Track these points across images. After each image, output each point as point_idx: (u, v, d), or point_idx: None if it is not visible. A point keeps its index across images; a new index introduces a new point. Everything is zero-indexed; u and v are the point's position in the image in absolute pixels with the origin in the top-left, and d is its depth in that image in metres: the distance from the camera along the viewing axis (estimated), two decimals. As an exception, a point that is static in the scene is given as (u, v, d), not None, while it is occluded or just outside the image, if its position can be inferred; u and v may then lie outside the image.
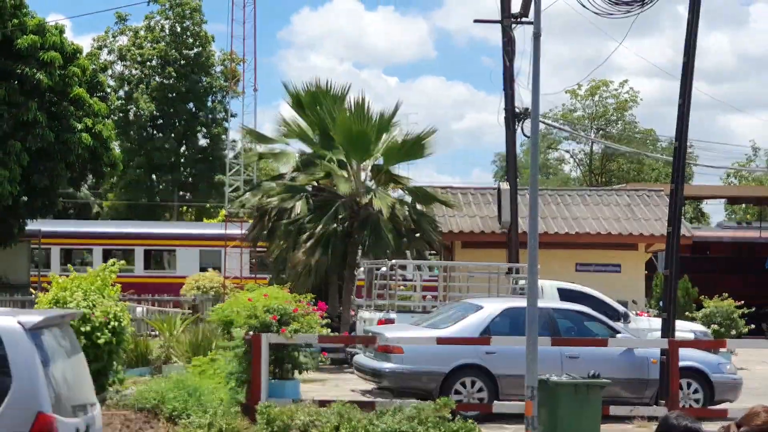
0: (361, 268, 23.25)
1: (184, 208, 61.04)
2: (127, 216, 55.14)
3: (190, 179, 60.89)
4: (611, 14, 17.21)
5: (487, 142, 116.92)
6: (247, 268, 33.98)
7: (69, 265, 21.33)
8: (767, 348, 27.96)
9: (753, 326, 27.56)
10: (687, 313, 27.03)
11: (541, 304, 13.65)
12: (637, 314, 22.03)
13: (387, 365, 15.09)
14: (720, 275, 34.04)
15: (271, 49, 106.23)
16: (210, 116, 59.79)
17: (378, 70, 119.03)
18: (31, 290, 24.24)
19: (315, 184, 25.56)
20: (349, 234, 24.04)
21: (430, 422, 11.98)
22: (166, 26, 59.15)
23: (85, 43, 78.88)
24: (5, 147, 26.44)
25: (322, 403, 12.90)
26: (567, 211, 28.41)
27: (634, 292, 26.67)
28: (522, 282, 21.01)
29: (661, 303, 17.48)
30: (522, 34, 25.03)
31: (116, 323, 14.27)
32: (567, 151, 67.56)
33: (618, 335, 15.68)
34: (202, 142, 60.45)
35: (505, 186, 25.78)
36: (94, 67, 32.73)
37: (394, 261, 21.70)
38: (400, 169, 26.43)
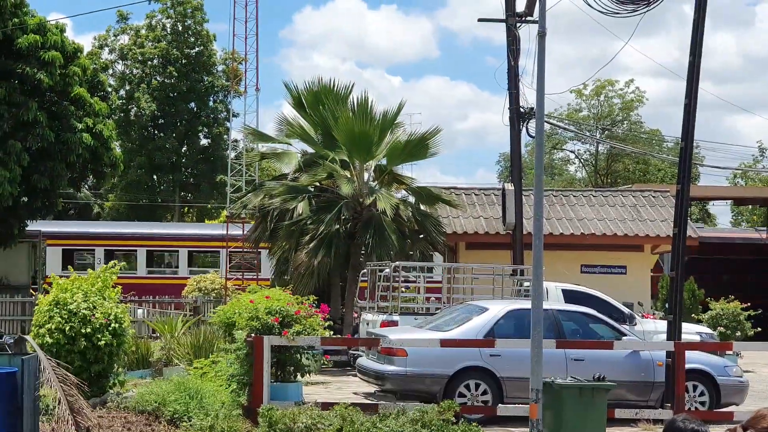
0: (364, 270, 23.11)
1: (186, 208, 60.97)
2: (128, 216, 55.10)
3: (192, 179, 60.86)
4: (617, 13, 17.04)
5: (491, 143, 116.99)
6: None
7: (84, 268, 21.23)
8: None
9: (759, 329, 27.43)
10: (693, 315, 26.92)
11: (545, 305, 13.52)
12: (642, 316, 21.90)
13: (390, 368, 14.97)
14: None
15: (273, 48, 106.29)
16: (211, 116, 59.77)
17: (381, 69, 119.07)
18: (32, 291, 24.13)
19: (317, 184, 25.44)
20: (352, 235, 23.92)
21: (433, 425, 11.85)
22: (168, 25, 59.14)
23: (86, 42, 78.93)
24: (5, 147, 26.33)
25: (325, 406, 12.79)
26: (572, 212, 28.28)
27: (639, 294, 26.54)
28: (526, 284, 20.86)
29: (666, 305, 17.32)
30: (527, 33, 24.89)
31: (117, 325, 14.17)
32: (572, 152, 67.48)
33: (623, 337, 15.56)
34: (204, 142, 60.43)
35: (509, 187, 25.66)
36: (94, 66, 32.62)
37: (397, 262, 21.56)
38: (404, 170, 26.35)
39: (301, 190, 24.68)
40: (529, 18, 24.17)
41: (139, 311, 26.65)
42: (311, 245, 23.04)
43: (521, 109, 24.51)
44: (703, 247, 30.33)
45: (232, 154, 47.88)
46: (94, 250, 36.03)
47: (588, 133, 61.86)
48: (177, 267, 37.01)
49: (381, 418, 12.11)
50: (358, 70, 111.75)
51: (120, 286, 15.22)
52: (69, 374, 11.09)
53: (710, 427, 5.47)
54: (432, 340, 14.90)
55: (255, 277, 31.66)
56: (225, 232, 33.92)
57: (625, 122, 63.95)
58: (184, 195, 61.24)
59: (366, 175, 25.04)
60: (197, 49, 59.09)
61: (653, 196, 29.58)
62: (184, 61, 58.17)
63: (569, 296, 20.10)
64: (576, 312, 16.29)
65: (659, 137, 63.39)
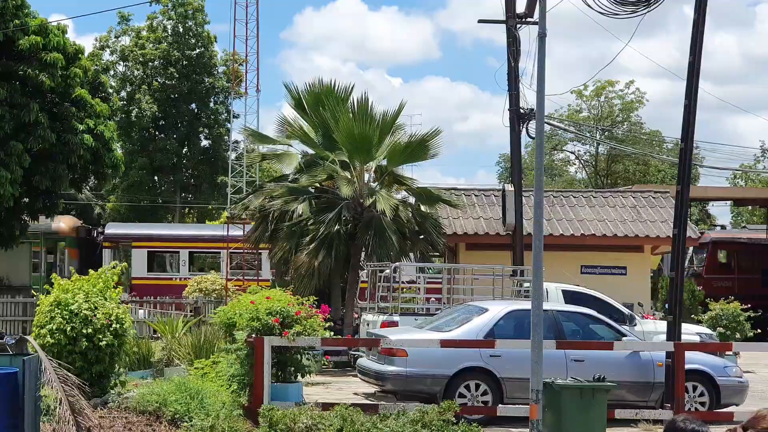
0: (365, 271, 23.13)
1: (186, 209, 61.00)
2: (129, 218, 55.11)
3: (192, 180, 60.88)
4: (616, 14, 17.04)
5: (491, 144, 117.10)
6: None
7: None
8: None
9: (759, 330, 27.44)
10: (693, 315, 26.95)
11: (545, 306, 13.54)
12: (642, 317, 21.92)
13: (390, 368, 14.99)
14: None
15: (274, 49, 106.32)
16: (212, 117, 59.77)
17: (382, 70, 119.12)
18: (33, 292, 24.16)
19: (318, 185, 25.47)
20: (353, 236, 23.94)
21: (434, 426, 11.88)
22: (169, 26, 59.15)
23: (87, 43, 79.02)
24: (7, 148, 26.35)
25: (325, 407, 12.81)
26: (572, 212, 28.30)
27: (639, 295, 26.55)
28: (526, 284, 20.88)
29: (666, 305, 17.34)
30: (527, 34, 24.91)
31: (118, 325, 14.20)
32: (572, 153, 67.44)
33: (623, 338, 15.58)
34: (205, 143, 60.43)
35: (509, 187, 25.68)
36: (96, 67, 32.65)
37: (397, 263, 21.58)
38: (405, 170, 26.34)
39: (301, 191, 24.71)
40: (529, 19, 24.20)
41: (140, 312, 26.68)
42: (312, 246, 23.06)
43: (521, 110, 24.53)
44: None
45: (233, 155, 47.89)
46: (178, 252, 36.33)
47: (588, 134, 61.89)
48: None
49: (381, 419, 12.14)
50: (358, 71, 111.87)
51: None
52: (70, 375, 11.11)
53: (710, 428, 5.49)
54: (432, 341, 14.92)
55: (255, 277, 31.71)
56: (225, 233, 33.93)
57: (625, 123, 63.92)
58: (185, 196, 61.24)
59: (366, 176, 25.05)
60: (198, 50, 59.07)
61: (653, 197, 29.59)
62: (185, 62, 58.18)
63: (569, 297, 20.12)
64: (576, 312, 16.31)
65: (659, 138, 63.37)
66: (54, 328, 13.89)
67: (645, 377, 15.23)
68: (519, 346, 13.88)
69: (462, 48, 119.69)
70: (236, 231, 32.99)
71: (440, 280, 23.73)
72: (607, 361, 14.73)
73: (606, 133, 63.16)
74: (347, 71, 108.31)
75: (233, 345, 14.30)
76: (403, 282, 22.08)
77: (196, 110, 59.51)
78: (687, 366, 14.36)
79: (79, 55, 29.20)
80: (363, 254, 23.89)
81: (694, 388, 15.29)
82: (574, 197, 29.69)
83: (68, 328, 13.84)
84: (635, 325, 19.69)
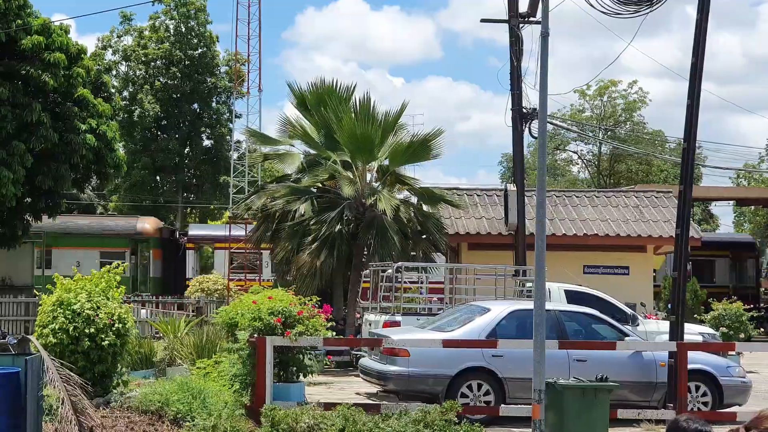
0: (367, 271, 23.11)
1: (189, 209, 61.04)
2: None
3: (195, 180, 60.92)
4: (619, 14, 17.04)
5: (494, 143, 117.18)
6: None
7: None
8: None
9: (762, 330, 27.43)
10: (696, 315, 26.93)
11: (548, 306, 13.52)
12: (645, 317, 21.90)
13: (393, 368, 14.97)
14: None
15: (276, 49, 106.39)
16: (214, 117, 59.84)
17: (383, 70, 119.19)
18: (35, 292, 24.17)
19: (320, 185, 25.47)
20: (355, 236, 23.94)
21: (436, 426, 11.86)
22: (171, 26, 59.22)
23: (89, 43, 79.08)
24: (9, 148, 26.36)
25: (327, 406, 12.80)
26: (575, 212, 28.28)
27: (642, 295, 26.53)
28: (529, 284, 20.87)
29: (669, 305, 17.32)
30: (530, 33, 24.98)
31: (120, 325, 14.21)
32: (575, 152, 67.44)
33: (626, 338, 15.55)
34: (207, 143, 60.50)
35: (512, 187, 25.65)
36: (98, 67, 32.63)
37: (399, 263, 21.57)
38: (407, 170, 26.34)
39: (303, 191, 24.70)
40: (531, 19, 24.17)
41: (143, 311, 26.70)
42: (314, 246, 23.06)
43: (524, 110, 24.50)
44: None
45: (235, 155, 48.03)
46: (260, 253, 36.51)
47: (591, 134, 61.86)
48: None
49: (383, 419, 12.12)
50: (360, 71, 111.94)
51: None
52: (72, 374, 11.12)
53: (713, 428, 5.47)
54: (434, 341, 14.89)
55: (257, 277, 31.74)
56: (228, 233, 33.98)
57: (627, 123, 63.92)
58: (187, 196, 61.30)
59: (368, 176, 25.05)
60: (200, 50, 59.15)
61: (656, 197, 29.57)
62: (187, 62, 58.23)
63: (572, 297, 20.10)
64: (578, 312, 16.28)
65: (662, 138, 63.37)
66: (56, 327, 13.89)
67: (648, 377, 15.20)
68: (521, 346, 13.87)
69: (464, 48, 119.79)
70: (238, 231, 33.04)
71: (442, 280, 23.72)
72: (609, 361, 14.70)
73: (609, 133, 63.16)
74: (349, 71, 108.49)
75: (235, 345, 14.28)
76: (405, 282, 22.04)
77: (198, 110, 59.57)
78: (690, 366, 14.32)
79: (82, 55, 29.19)
80: (365, 254, 23.89)
81: (697, 388, 15.25)
82: (577, 197, 29.67)
83: (71, 328, 13.84)
84: (638, 325, 19.66)
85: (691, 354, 14.51)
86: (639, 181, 56.13)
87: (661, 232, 27.15)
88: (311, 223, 23.66)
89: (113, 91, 40.80)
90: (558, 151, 67.07)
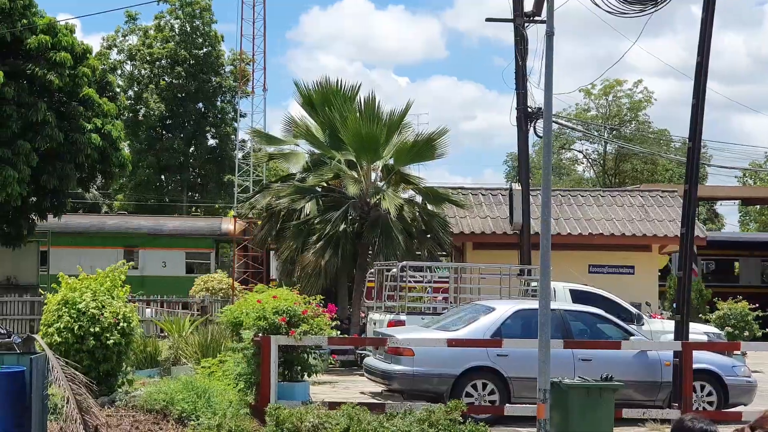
0: (371, 270, 23.11)
1: (193, 208, 61.12)
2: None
3: (199, 179, 60.96)
4: (624, 13, 17.03)
5: (498, 143, 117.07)
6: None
7: None
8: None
9: None
10: (700, 315, 26.88)
11: (553, 305, 13.51)
12: (650, 316, 21.87)
13: (397, 367, 14.97)
14: None
15: (281, 49, 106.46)
16: (219, 116, 59.87)
17: (388, 70, 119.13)
18: (40, 291, 24.18)
19: (325, 184, 25.46)
20: (359, 235, 23.94)
21: (440, 425, 11.86)
22: (176, 26, 59.23)
23: (94, 42, 79.10)
24: (15, 147, 26.38)
25: (332, 406, 12.80)
26: (580, 212, 28.25)
27: (647, 294, 26.51)
28: (534, 283, 20.86)
29: (674, 305, 17.30)
30: (535, 33, 24.87)
31: (125, 324, 14.22)
32: (580, 152, 67.39)
33: (631, 337, 15.54)
34: (211, 142, 60.54)
35: (517, 187, 25.63)
36: (103, 67, 32.63)
37: (404, 262, 21.56)
38: (412, 170, 26.33)
39: (308, 191, 24.70)
40: (537, 18, 24.16)
41: (148, 310, 26.72)
42: (318, 245, 23.06)
43: (529, 109, 24.49)
44: None
45: (240, 155, 48.07)
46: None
47: (596, 133, 61.79)
48: None
49: (388, 418, 12.13)
50: (365, 70, 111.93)
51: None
52: (77, 373, 11.13)
53: (718, 427, 5.46)
54: (439, 340, 14.89)
55: (262, 276, 31.75)
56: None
57: (633, 122, 63.85)
58: (192, 195, 61.34)
59: (373, 176, 25.05)
60: (205, 49, 59.17)
61: (661, 196, 29.55)
62: (192, 61, 58.26)
63: (577, 296, 20.08)
64: (584, 312, 16.27)
65: (667, 137, 63.28)
66: (61, 326, 13.91)
67: (652, 377, 15.18)
68: (526, 346, 13.85)
69: (469, 47, 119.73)
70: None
71: (447, 280, 23.71)
72: (614, 361, 14.69)
73: (614, 132, 63.08)
74: (353, 71, 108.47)
75: (240, 344, 14.29)
76: (410, 281, 22.03)
77: (203, 109, 59.61)
78: (695, 365, 14.31)
79: (87, 55, 29.20)
80: (370, 253, 23.88)
81: (702, 388, 15.24)
82: (582, 196, 29.64)
83: (76, 327, 13.86)
84: (643, 324, 19.64)
85: (696, 353, 14.49)
86: (644, 181, 56.07)
87: (666, 232, 27.12)
88: (316, 222, 23.66)
89: (118, 90, 40.79)
90: (563, 151, 67.01)
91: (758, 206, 58.94)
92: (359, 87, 25.49)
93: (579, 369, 14.10)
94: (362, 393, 17.25)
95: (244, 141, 58.12)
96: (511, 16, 24.60)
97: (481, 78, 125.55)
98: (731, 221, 71.46)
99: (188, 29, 58.98)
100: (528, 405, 13.64)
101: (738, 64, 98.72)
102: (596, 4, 16.84)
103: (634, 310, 20.41)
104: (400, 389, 15.32)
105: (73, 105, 28.30)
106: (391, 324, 19.34)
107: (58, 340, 13.78)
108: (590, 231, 27.22)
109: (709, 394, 15.30)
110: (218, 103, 60.16)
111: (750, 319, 26.65)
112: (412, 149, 24.48)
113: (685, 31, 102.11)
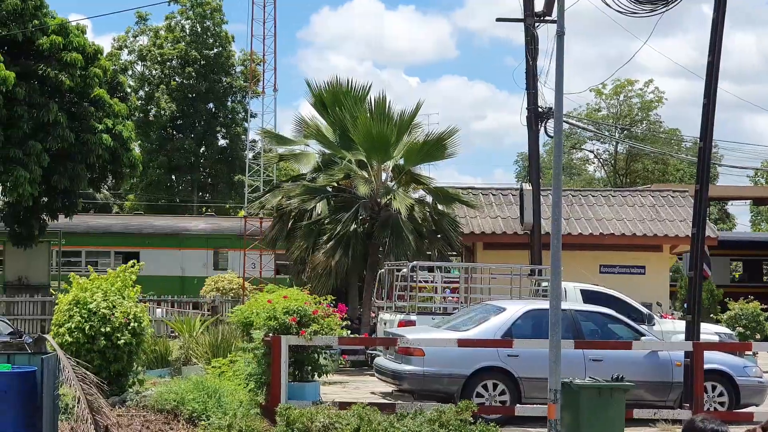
0: (382, 270, 23.11)
1: (204, 208, 61.26)
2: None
3: (210, 179, 61.04)
4: (635, 13, 16.99)
5: (509, 142, 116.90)
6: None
7: None
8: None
9: None
10: (712, 315, 26.81)
11: (564, 306, 13.48)
12: (661, 316, 21.82)
13: (408, 367, 14.95)
14: None
15: (291, 49, 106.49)
16: (230, 116, 59.92)
17: (399, 70, 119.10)
18: (51, 291, 24.24)
19: (335, 184, 25.47)
20: (370, 235, 23.95)
21: (451, 425, 11.85)
22: (187, 26, 59.30)
23: (105, 42, 79.37)
24: (26, 148, 26.44)
25: (342, 406, 12.79)
26: (591, 212, 28.21)
27: (658, 294, 26.44)
28: (545, 284, 20.83)
29: (685, 305, 17.25)
30: (545, 32, 24.84)
31: (136, 324, 14.25)
32: (591, 151, 67.27)
33: (642, 338, 15.50)
34: (222, 142, 60.60)
35: (527, 186, 25.60)
36: (114, 67, 32.68)
37: (414, 262, 21.55)
38: (422, 170, 26.32)
39: (318, 191, 24.72)
40: (547, 18, 24.12)
41: (158, 310, 26.76)
42: (329, 245, 23.08)
43: (539, 109, 24.46)
44: None
45: (250, 155, 47.99)
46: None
47: (607, 133, 61.67)
48: None
49: (398, 418, 12.11)
50: (375, 70, 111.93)
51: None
52: (88, 373, 11.14)
53: (730, 428, 5.44)
54: (449, 340, 14.87)
55: (272, 276, 31.76)
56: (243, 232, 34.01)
57: (644, 122, 63.71)
58: (202, 195, 61.43)
59: (383, 176, 25.06)
60: (216, 50, 59.22)
61: (672, 196, 29.48)
62: (202, 62, 58.33)
63: (588, 296, 20.04)
64: (594, 312, 16.23)
65: (678, 137, 63.11)
66: (72, 326, 13.94)
67: (663, 377, 15.14)
68: (537, 346, 13.82)
69: (479, 47, 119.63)
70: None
71: (458, 280, 23.69)
72: (625, 361, 14.65)
73: (625, 132, 62.95)
74: (364, 71, 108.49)
75: (250, 344, 14.29)
76: (420, 281, 22.01)
77: (213, 109, 59.67)
78: (706, 366, 14.27)
79: (98, 55, 29.26)
80: (380, 253, 23.87)
81: (713, 388, 15.19)
82: (593, 196, 29.59)
83: (86, 327, 13.89)
84: (654, 324, 19.59)
85: (707, 354, 14.45)
86: (655, 181, 55.94)
87: (678, 232, 27.06)
88: (326, 222, 23.67)
89: (129, 91, 40.87)
90: (574, 151, 66.89)
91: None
92: (370, 87, 25.55)
93: (590, 369, 14.06)
94: (373, 393, 17.24)
95: (254, 141, 58.16)
96: (521, 16, 24.57)
97: (492, 78, 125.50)
98: (743, 221, 71.25)
99: (199, 30, 59.05)
100: (539, 405, 13.61)
101: (749, 64, 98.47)
102: (607, 4, 16.81)
103: (644, 310, 20.37)
104: (410, 389, 15.30)
105: (84, 105, 28.37)
106: (402, 324, 19.32)
107: (69, 340, 13.81)
108: (601, 231, 27.17)
109: (721, 394, 15.25)
110: (229, 103, 60.21)
111: (762, 319, 26.56)
112: (422, 149, 24.48)
113: (695, 30, 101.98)
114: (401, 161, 25.09)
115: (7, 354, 11.27)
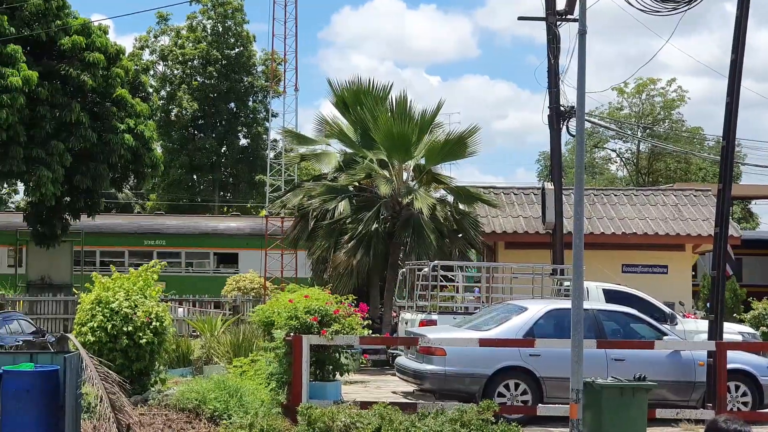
0: (403, 269, 23.10)
1: (225, 208, 61.44)
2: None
3: (231, 179, 61.21)
4: (657, 11, 16.92)
5: (531, 142, 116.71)
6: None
7: None
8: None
9: None
10: (735, 314, 26.62)
11: (586, 305, 13.43)
12: (684, 316, 21.71)
13: (429, 367, 14.93)
14: None
15: (312, 49, 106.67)
16: (251, 116, 60.08)
17: (420, 69, 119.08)
18: (74, 290, 24.35)
19: (356, 184, 25.48)
20: (391, 234, 23.94)
21: (473, 425, 11.82)
22: (208, 26, 59.49)
23: (126, 43, 79.74)
24: (48, 147, 26.59)
25: (364, 405, 12.78)
26: (613, 211, 28.09)
27: (681, 294, 26.31)
28: (567, 283, 20.76)
29: (708, 304, 17.16)
30: (567, 31, 24.77)
31: (158, 323, 14.29)
32: (613, 150, 67.03)
33: (664, 337, 15.42)
34: (243, 141, 60.75)
35: (549, 186, 25.53)
36: (136, 67, 32.82)
37: (436, 261, 21.53)
38: (443, 169, 26.30)
39: (339, 190, 24.73)
40: (569, 16, 24.04)
41: (180, 310, 26.83)
42: (350, 245, 23.08)
43: (561, 108, 24.37)
44: None
45: (272, 154, 48.08)
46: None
47: (629, 132, 61.42)
48: None
49: (420, 418, 12.10)
50: (396, 69, 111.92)
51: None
52: (111, 372, 11.18)
53: (753, 428, 5.40)
54: (471, 340, 14.84)
55: (294, 276, 31.79)
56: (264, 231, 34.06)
57: (666, 121, 63.42)
58: (224, 194, 61.61)
59: (405, 175, 25.04)
60: (237, 49, 59.40)
61: (694, 195, 29.33)
62: (224, 61, 58.51)
63: (610, 296, 19.97)
64: (617, 312, 16.16)
65: (701, 136, 62.81)
66: (95, 325, 13.99)
67: (686, 377, 15.06)
68: (559, 346, 13.78)
69: (501, 46, 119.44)
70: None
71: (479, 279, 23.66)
72: (648, 361, 14.59)
73: (647, 131, 62.69)
74: (385, 70, 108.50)
75: (272, 343, 14.31)
76: (441, 280, 21.99)
77: (234, 109, 59.84)
78: (729, 365, 14.19)
79: (120, 55, 29.40)
80: (402, 252, 23.86)
81: (737, 388, 15.09)
82: (615, 195, 29.47)
83: (109, 326, 13.94)
84: (676, 324, 19.50)
85: (730, 353, 14.37)
86: (678, 180, 55.68)
87: (700, 231, 26.91)
88: (348, 221, 23.69)
89: (151, 90, 41.00)
90: (596, 149, 66.64)
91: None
92: (391, 86, 25.55)
93: (612, 369, 14.01)
94: (394, 393, 17.23)
95: (275, 141, 58.31)
96: (543, 15, 24.50)
97: (513, 77, 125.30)
98: (766, 220, 70.83)
99: (220, 29, 59.24)
100: (561, 405, 13.57)
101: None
102: (629, 3, 16.75)
103: (667, 309, 20.28)
104: (431, 389, 15.28)
105: (106, 105, 28.50)
106: (423, 323, 19.31)
107: (92, 339, 13.87)
108: (623, 230, 27.05)
109: (744, 394, 15.16)
110: (250, 103, 60.37)
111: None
112: (443, 148, 24.45)
113: (718, 29, 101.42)
114: (422, 161, 25.06)
115: (30, 353, 11.34)
